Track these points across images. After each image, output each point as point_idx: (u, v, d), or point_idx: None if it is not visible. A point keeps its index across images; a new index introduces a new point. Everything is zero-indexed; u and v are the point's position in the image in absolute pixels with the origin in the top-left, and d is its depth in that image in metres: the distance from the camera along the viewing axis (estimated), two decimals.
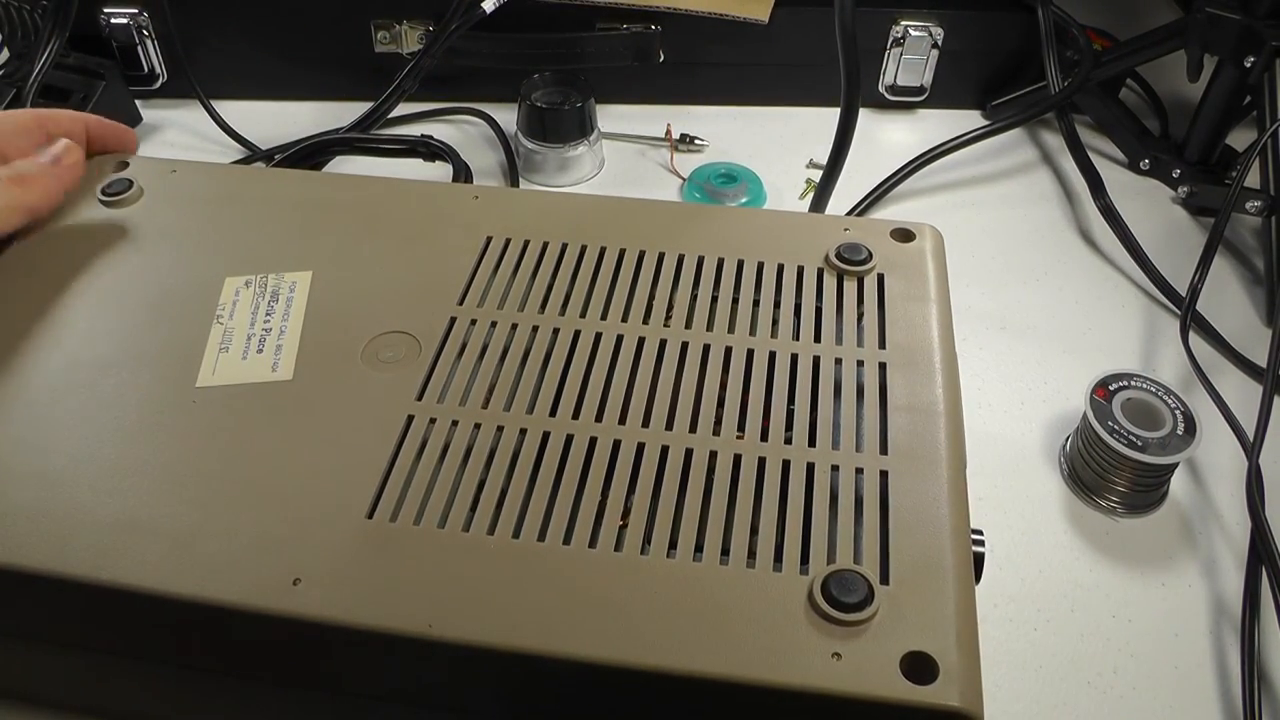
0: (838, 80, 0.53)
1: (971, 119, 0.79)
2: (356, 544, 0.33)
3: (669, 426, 0.38)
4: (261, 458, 0.36)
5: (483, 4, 0.68)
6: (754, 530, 0.34)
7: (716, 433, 0.37)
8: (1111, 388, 0.51)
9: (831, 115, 0.55)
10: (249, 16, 0.74)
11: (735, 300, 0.43)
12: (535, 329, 0.41)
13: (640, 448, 0.37)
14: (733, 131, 0.77)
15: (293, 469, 0.36)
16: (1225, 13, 0.65)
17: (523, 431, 0.37)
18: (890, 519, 0.34)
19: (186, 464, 0.36)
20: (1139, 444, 0.48)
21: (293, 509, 0.34)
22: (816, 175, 0.62)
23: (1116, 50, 0.74)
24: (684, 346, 0.41)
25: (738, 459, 0.36)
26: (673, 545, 0.34)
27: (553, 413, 0.38)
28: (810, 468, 0.36)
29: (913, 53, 0.77)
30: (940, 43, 0.76)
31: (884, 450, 0.37)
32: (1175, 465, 0.49)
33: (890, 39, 0.76)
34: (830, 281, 0.43)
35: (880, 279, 0.43)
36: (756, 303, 0.43)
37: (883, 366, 0.40)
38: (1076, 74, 0.71)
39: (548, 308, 0.42)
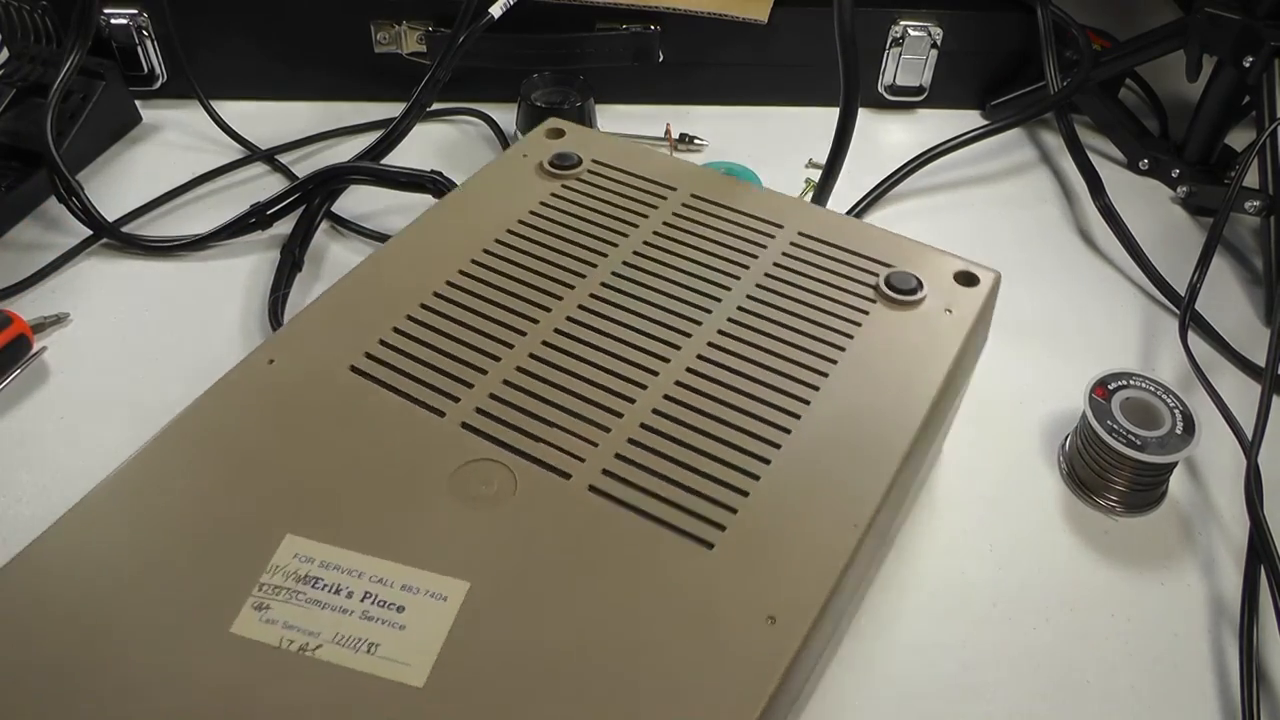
0: (837, 80, 0.53)
1: (971, 119, 0.79)
2: None
3: None
4: None
5: (490, 11, 0.67)
6: None
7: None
8: (1110, 387, 0.51)
9: (831, 115, 0.55)
10: (249, 17, 0.74)
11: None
12: None
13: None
14: (732, 131, 0.77)
15: None
16: (1224, 13, 0.66)
17: None
18: None
19: None
20: (1138, 443, 0.48)
21: None
22: (816, 175, 0.62)
23: (1116, 50, 0.75)
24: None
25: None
26: None
27: None
28: None
29: (912, 52, 0.77)
30: (939, 43, 0.76)
31: None
32: (1174, 464, 0.49)
33: (889, 39, 0.76)
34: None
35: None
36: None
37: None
38: (1076, 74, 0.71)
39: None
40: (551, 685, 0.33)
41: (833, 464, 0.39)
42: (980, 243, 0.67)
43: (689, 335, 0.44)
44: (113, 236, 0.64)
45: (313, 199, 0.65)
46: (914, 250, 0.48)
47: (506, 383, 0.42)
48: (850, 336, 0.44)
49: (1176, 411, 0.50)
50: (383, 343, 0.43)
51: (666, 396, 0.41)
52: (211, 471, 0.38)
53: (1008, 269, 0.65)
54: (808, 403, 0.41)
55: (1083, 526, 0.51)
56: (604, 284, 0.46)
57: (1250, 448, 0.51)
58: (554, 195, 0.51)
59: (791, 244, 0.49)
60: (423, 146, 0.74)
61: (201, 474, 0.38)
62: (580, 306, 0.45)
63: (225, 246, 0.65)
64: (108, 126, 0.74)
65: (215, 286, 0.62)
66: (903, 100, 0.80)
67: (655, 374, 0.42)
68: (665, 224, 0.50)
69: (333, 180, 0.64)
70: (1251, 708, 0.43)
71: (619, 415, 0.41)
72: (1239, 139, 0.71)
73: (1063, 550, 0.50)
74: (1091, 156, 0.71)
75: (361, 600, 0.35)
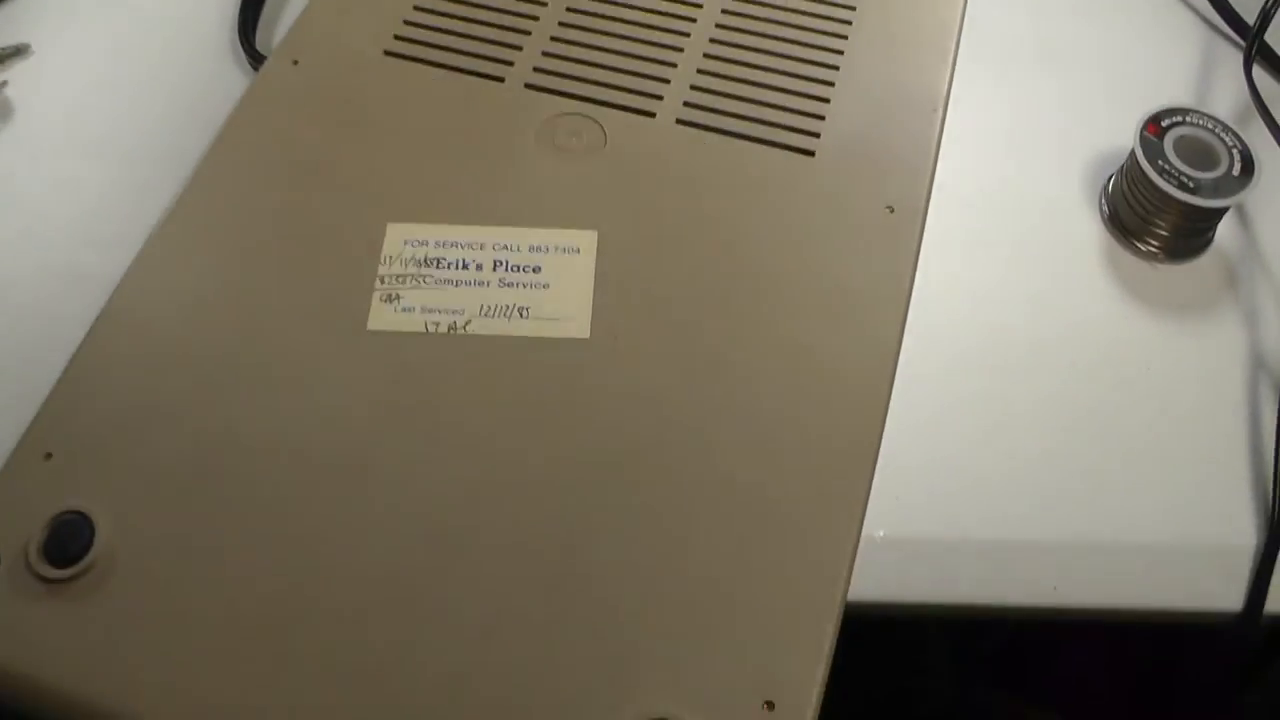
0: None
1: None
2: None
3: None
4: None
5: None
6: None
7: None
8: (1164, 124, 0.47)
9: None
10: None
11: None
12: None
13: None
14: None
15: None
16: None
17: None
18: None
19: None
20: (1190, 185, 0.46)
21: None
22: None
23: None
24: None
25: None
26: None
27: None
28: None
29: None
30: None
31: None
32: (1226, 209, 0.47)
33: None
34: None
35: None
36: None
37: None
38: None
39: None
40: (706, 307, 0.34)
41: (898, 56, 0.41)
42: None
43: None
44: None
45: None
46: None
47: (555, 39, 0.41)
48: None
49: (1235, 151, 0.47)
50: (409, 22, 0.42)
51: (719, 25, 0.42)
52: (276, 184, 0.37)
53: None
54: (854, 8, 0.43)
55: (1121, 273, 0.48)
56: None
57: None
58: None
59: None
60: None
61: (266, 189, 0.37)
62: None
63: None
64: None
65: (182, 8, 0.56)
66: None
67: (700, 5, 0.43)
68: None
69: None
70: None
71: (679, 50, 0.41)
72: None
73: (1099, 298, 0.47)
74: None
75: (493, 269, 0.34)
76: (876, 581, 0.40)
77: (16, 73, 0.53)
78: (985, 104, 0.54)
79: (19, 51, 0.53)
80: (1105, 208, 0.50)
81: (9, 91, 0.52)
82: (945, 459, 0.42)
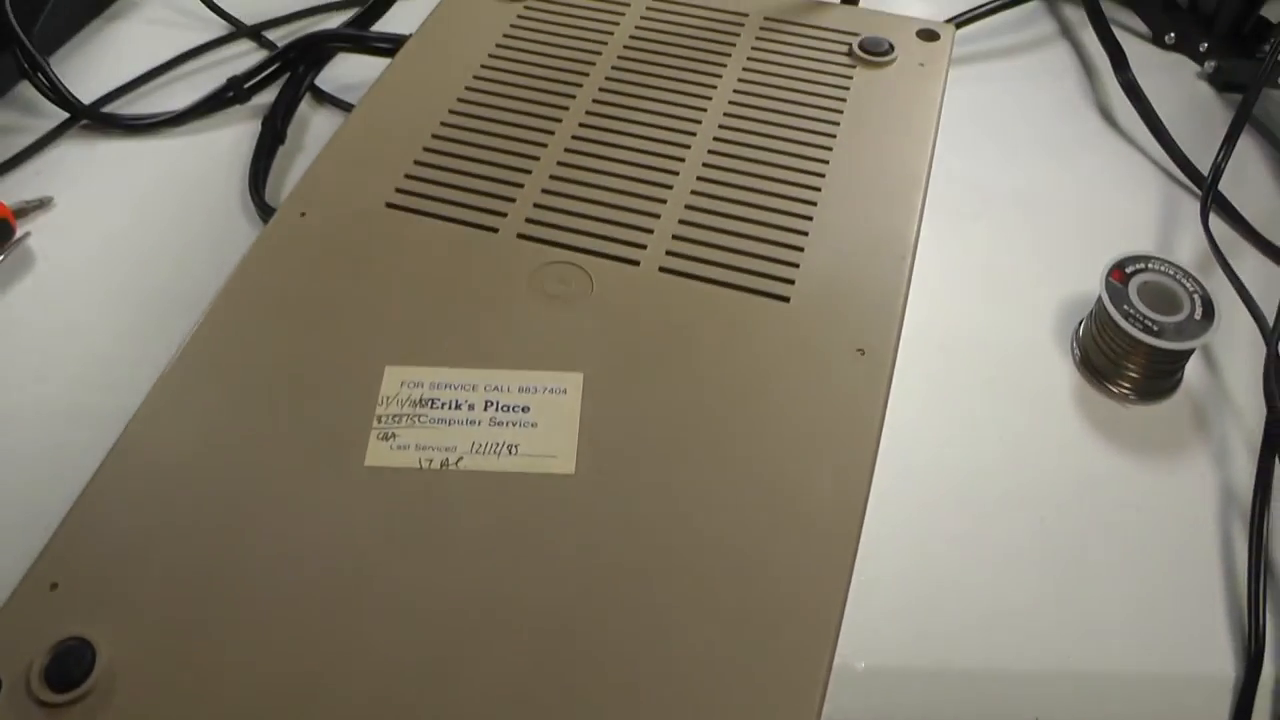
0: None
1: None
2: None
3: None
4: None
5: None
6: None
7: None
8: (1128, 270, 0.49)
9: None
10: None
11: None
12: None
13: None
14: None
15: None
16: None
17: None
18: None
19: None
20: (1155, 329, 0.47)
21: None
22: None
23: None
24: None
25: None
26: None
27: None
28: None
29: None
30: None
31: None
32: (1191, 351, 0.48)
33: None
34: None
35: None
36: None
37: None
38: None
39: None
40: (686, 445, 0.35)
41: (868, 208, 0.43)
42: (996, 118, 0.65)
43: (699, 121, 0.47)
44: (89, 117, 0.61)
45: (295, 68, 0.62)
46: (873, 18, 0.54)
47: (546, 191, 0.43)
48: (844, 100, 0.49)
49: (1195, 296, 0.48)
50: (409, 176, 0.44)
51: (700, 178, 0.44)
52: (282, 328, 0.38)
53: (1024, 145, 0.65)
54: (827, 162, 0.45)
55: (1094, 414, 0.49)
56: (601, 89, 0.49)
57: (1271, 334, 0.49)
58: (519, 17, 0.54)
59: (761, 29, 0.53)
60: (409, 15, 0.68)
61: (273, 332, 0.38)
62: (589, 111, 0.48)
63: (207, 122, 0.62)
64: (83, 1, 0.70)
65: (198, 163, 0.59)
66: None
67: (681, 160, 0.45)
68: (637, 27, 0.53)
69: (314, 48, 0.61)
70: (1258, 600, 0.42)
71: (662, 202, 0.43)
72: (1275, 11, 0.68)
73: (1073, 439, 0.48)
74: (1115, 30, 0.69)
75: (485, 409, 0.36)
76: (862, 712, 0.40)
77: (39, 224, 0.55)
78: (957, 249, 0.55)
79: (42, 204, 0.56)
80: (1076, 351, 0.51)
81: (31, 242, 0.54)
82: (926, 592, 0.42)
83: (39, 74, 0.60)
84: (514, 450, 0.34)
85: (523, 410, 0.35)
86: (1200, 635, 0.42)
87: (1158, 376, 0.49)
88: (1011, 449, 0.47)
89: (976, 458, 0.47)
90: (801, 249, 0.41)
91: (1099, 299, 0.48)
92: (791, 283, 0.40)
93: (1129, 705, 0.40)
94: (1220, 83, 0.68)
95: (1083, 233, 0.58)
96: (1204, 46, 0.69)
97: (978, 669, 0.40)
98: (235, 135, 0.61)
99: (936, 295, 0.52)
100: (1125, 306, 0.47)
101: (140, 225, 0.56)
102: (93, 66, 0.66)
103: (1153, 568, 0.44)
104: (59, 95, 0.60)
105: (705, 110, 0.47)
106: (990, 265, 0.56)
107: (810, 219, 0.42)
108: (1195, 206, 0.59)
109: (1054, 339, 0.52)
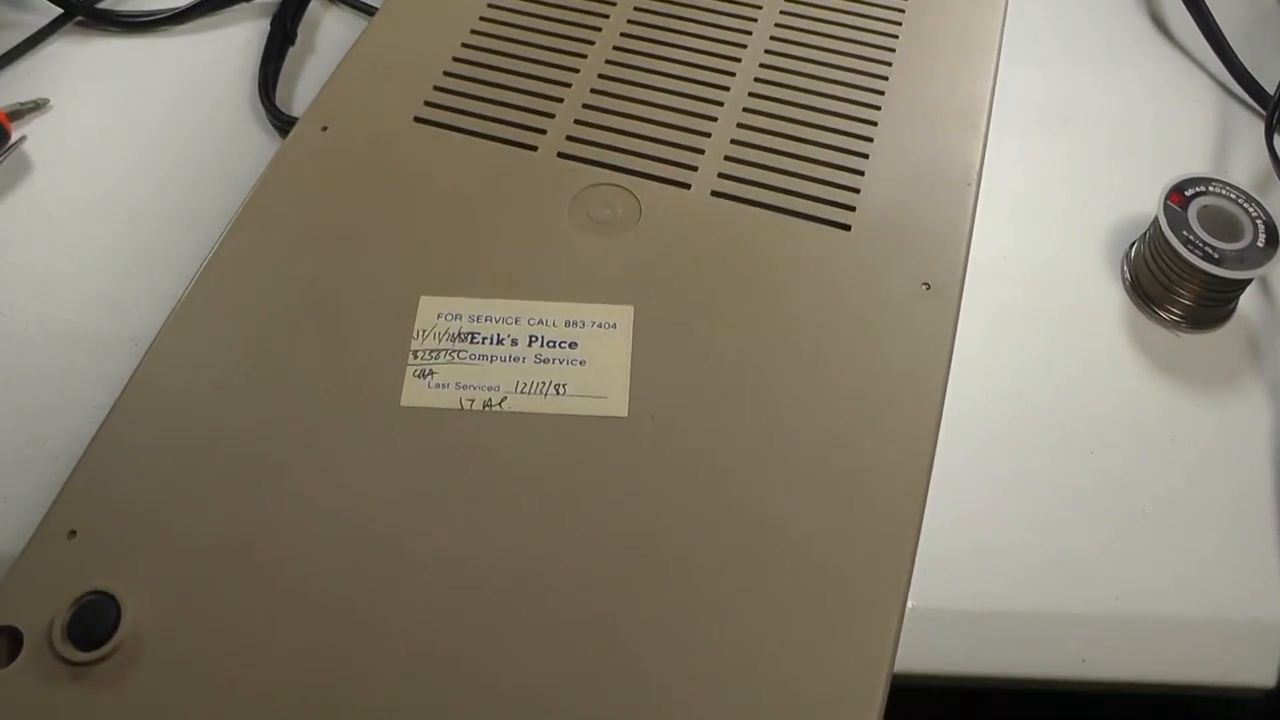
0: None
1: None
2: None
3: None
4: None
5: None
6: None
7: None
8: (1188, 193, 0.47)
9: None
10: None
11: None
12: None
13: None
14: None
15: None
16: None
17: None
18: None
19: None
20: (1215, 256, 0.45)
21: None
22: None
23: None
24: None
25: None
26: None
27: None
28: None
29: None
30: None
31: None
32: (1250, 280, 0.46)
33: None
34: None
35: None
36: None
37: None
38: None
39: None
40: (745, 387, 0.33)
41: (930, 130, 0.41)
42: (1043, 25, 0.62)
43: (749, 33, 0.45)
44: (85, 13, 0.58)
45: None
46: None
47: (587, 106, 0.41)
48: (903, 11, 0.46)
49: (1259, 222, 0.46)
50: (438, 88, 0.41)
51: (752, 94, 0.42)
52: (306, 254, 0.36)
53: (1072, 57, 0.62)
54: (886, 78, 0.43)
55: (1144, 341, 0.48)
56: (638, 8, 0.46)
57: None
58: None
59: None
60: None
61: (296, 259, 0.36)
62: (631, 20, 0.45)
63: (211, 20, 0.59)
64: None
65: (201, 63, 0.57)
66: None
67: (732, 74, 0.43)
68: None
69: None
70: None
71: (713, 119, 0.41)
72: None
73: (1122, 369, 0.47)
74: None
75: (529, 345, 0.33)
76: (905, 653, 0.39)
77: (34, 128, 0.53)
78: (1005, 170, 0.53)
79: (38, 106, 0.53)
80: (1127, 274, 0.50)
81: (27, 147, 0.51)
82: (972, 531, 0.42)
83: None
84: (562, 390, 0.32)
85: (570, 346, 0.33)
86: (1251, 577, 0.41)
87: (1213, 305, 0.47)
88: (1060, 378, 0.46)
89: (1024, 388, 0.46)
90: (862, 173, 0.39)
91: (1155, 222, 0.47)
92: (852, 209, 0.38)
93: (1178, 647, 0.40)
94: None
95: (1135, 151, 0.56)
96: None
97: (1025, 611, 0.40)
98: (242, 35, 0.58)
99: (983, 216, 0.50)
100: (1184, 232, 0.45)
101: (142, 131, 0.53)
102: None
103: (1204, 506, 0.43)
104: None
105: (756, 21, 0.45)
106: (1039, 184, 0.54)
107: (870, 140, 0.40)
108: (1258, 126, 0.57)
109: (1104, 262, 0.50)
